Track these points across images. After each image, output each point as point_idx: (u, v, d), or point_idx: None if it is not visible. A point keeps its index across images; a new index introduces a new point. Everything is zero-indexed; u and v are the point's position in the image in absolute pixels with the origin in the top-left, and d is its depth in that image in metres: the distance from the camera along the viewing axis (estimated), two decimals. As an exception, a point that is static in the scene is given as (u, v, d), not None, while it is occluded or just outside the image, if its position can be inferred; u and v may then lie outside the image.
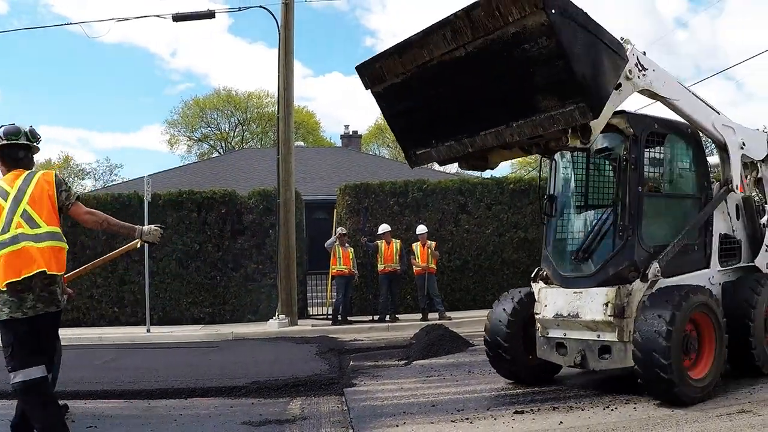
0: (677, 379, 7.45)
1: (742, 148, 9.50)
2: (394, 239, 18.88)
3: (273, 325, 17.90)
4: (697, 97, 9.04)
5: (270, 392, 9.57)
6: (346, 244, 18.77)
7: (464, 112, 7.92)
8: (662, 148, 8.95)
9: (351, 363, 12.17)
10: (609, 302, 8.15)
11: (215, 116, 63.34)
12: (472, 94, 7.72)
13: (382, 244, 18.68)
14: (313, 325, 18.43)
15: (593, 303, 8.35)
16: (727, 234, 9.39)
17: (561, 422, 7.31)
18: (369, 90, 8.71)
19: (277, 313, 18.35)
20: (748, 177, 10.53)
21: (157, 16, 19.67)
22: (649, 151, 8.76)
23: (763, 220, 10.14)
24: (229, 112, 63.15)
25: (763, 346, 8.68)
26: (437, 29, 7.51)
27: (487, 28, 7.08)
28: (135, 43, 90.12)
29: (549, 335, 9.03)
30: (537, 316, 9.15)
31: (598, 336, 8.33)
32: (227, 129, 64.18)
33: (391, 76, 8.31)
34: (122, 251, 7.68)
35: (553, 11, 6.61)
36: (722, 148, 9.33)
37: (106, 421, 8.17)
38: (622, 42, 7.70)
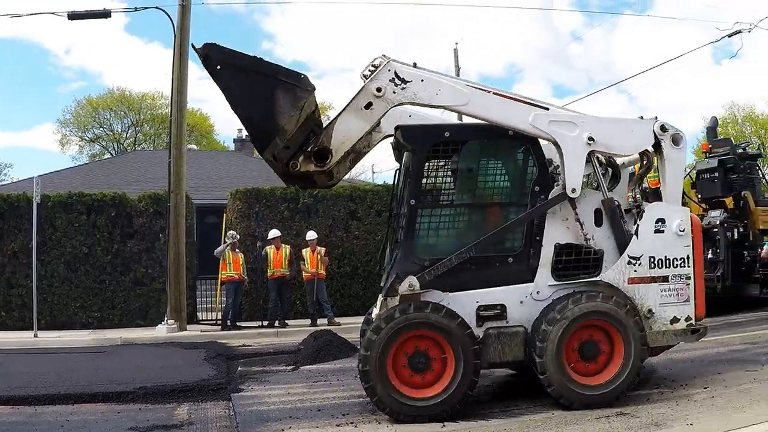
0: (380, 389, 7.81)
1: (590, 143, 8.63)
2: (284, 245, 19.05)
3: (162, 330, 17.82)
4: (508, 96, 8.71)
5: (157, 398, 9.68)
6: (237, 250, 18.88)
7: None
8: (458, 157, 8.85)
9: (239, 368, 12.36)
10: (377, 314, 8.59)
11: (108, 116, 61.86)
12: None
13: (271, 249, 18.86)
14: (202, 331, 18.50)
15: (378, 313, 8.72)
16: (573, 243, 8.63)
17: (444, 425, 7.64)
18: None
19: (166, 318, 18.23)
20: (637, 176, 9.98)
21: (53, 13, 19.28)
22: (443, 162, 8.99)
23: (635, 227, 8.80)
24: (122, 112, 61.70)
25: (559, 375, 8.07)
26: None
27: None
28: (28, 39, 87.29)
29: None
30: None
31: None
32: (120, 130, 62.81)
33: None
34: None
35: (219, 67, 7.93)
36: (558, 147, 8.72)
37: (-9, 427, 8.19)
38: (382, 57, 8.39)
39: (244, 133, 44.44)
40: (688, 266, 8.61)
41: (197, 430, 7.97)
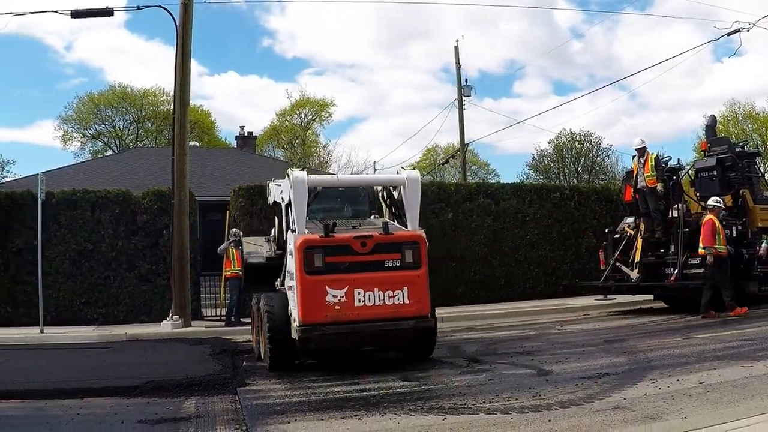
0: None
1: (282, 199, 12.55)
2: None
3: (166, 326, 17.97)
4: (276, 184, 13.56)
5: (165, 392, 9.72)
6: (240, 247, 18.89)
7: None
8: None
9: (244, 363, 12.44)
10: None
11: (110, 113, 62.04)
12: None
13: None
14: (206, 327, 18.66)
15: None
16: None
17: (445, 418, 7.61)
18: None
19: (170, 314, 18.41)
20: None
21: (56, 11, 19.28)
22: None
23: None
24: (123, 109, 61.90)
25: None
26: None
27: None
28: (28, 35, 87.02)
29: None
30: None
31: None
32: (122, 126, 62.98)
33: None
34: None
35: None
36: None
37: (2, 421, 8.30)
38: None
39: (246, 130, 45.61)
40: (293, 280, 10.98)
41: (205, 423, 8.00)
